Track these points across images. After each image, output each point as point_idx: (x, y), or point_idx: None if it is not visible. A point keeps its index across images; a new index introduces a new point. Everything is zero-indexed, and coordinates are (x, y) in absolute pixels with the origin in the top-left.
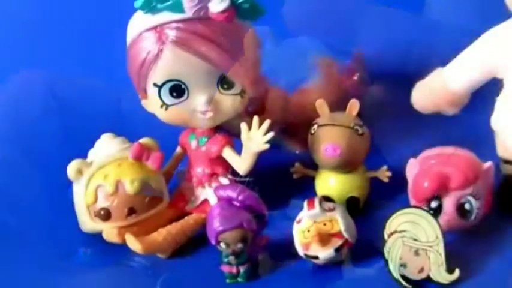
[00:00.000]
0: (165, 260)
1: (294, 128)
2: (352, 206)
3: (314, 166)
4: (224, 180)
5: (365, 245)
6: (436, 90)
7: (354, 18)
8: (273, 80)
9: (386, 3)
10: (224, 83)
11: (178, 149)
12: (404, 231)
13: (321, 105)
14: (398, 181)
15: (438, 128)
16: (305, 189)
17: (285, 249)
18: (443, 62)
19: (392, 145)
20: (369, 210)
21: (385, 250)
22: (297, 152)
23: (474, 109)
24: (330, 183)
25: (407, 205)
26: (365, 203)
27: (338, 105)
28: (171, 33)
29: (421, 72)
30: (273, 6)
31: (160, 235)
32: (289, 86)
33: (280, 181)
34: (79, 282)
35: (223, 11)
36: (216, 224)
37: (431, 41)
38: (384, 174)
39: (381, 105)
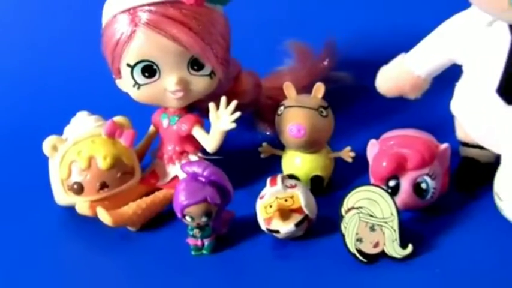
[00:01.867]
0: (135, 233)
1: (266, 110)
2: (316, 184)
3: (281, 146)
4: (194, 158)
5: (326, 221)
6: (399, 75)
7: (327, 5)
8: (246, 63)
9: None
10: (194, 64)
11: (151, 128)
12: (361, 207)
13: (288, 88)
14: (361, 161)
15: (401, 111)
16: (272, 168)
17: (250, 223)
18: (409, 48)
19: (357, 127)
20: (333, 189)
21: (342, 225)
22: (268, 133)
23: (435, 94)
24: (296, 162)
25: (369, 184)
26: (329, 182)
27: (310, 88)
28: (144, 16)
29: (388, 57)
30: None
31: (130, 209)
32: (263, 69)
33: (249, 160)
34: (52, 254)
35: None
36: (181, 198)
37: (399, 26)
38: (347, 154)
39: (347, 88)
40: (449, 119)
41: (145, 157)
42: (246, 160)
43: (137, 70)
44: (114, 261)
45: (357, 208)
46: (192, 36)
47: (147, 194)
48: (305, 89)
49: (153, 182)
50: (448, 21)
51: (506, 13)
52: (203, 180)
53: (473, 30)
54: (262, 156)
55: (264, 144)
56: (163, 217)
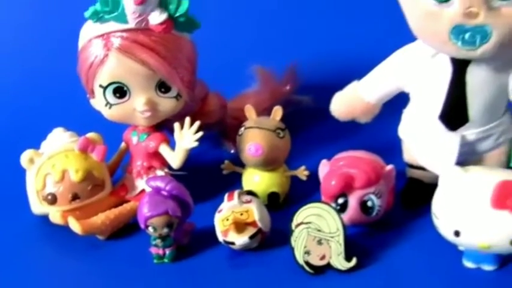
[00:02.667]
0: (102, 242)
1: (230, 130)
2: (273, 200)
3: (242, 164)
4: (160, 173)
5: (279, 234)
6: (352, 100)
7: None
8: (213, 85)
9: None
10: (162, 86)
11: (123, 144)
12: (309, 222)
13: (249, 110)
14: (315, 180)
15: (353, 134)
16: (233, 184)
17: (209, 235)
18: (363, 74)
19: (312, 148)
20: (289, 205)
21: (292, 239)
22: (232, 151)
23: (384, 119)
24: (255, 179)
25: (318, 200)
26: (285, 198)
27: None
28: (116, 41)
29: (344, 83)
30: (216, 17)
31: (99, 219)
32: (229, 92)
33: (212, 176)
34: (26, 258)
35: (162, 23)
36: (144, 210)
37: (355, 55)
38: (302, 173)
39: (307, 111)
40: (397, 142)
41: (117, 171)
42: (210, 176)
43: (109, 91)
44: (83, 266)
45: (306, 223)
46: (159, 60)
47: (117, 206)
48: (267, 111)
49: (122, 194)
50: (397, 53)
51: (446, 46)
52: (165, 194)
53: (419, 61)
54: (224, 172)
55: (226, 161)
56: (130, 227)
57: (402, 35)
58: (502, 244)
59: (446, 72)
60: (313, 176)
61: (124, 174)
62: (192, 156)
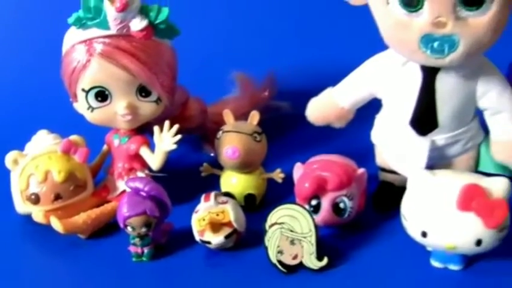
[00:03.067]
0: (84, 240)
1: (210, 134)
2: (249, 201)
3: (221, 166)
4: (141, 175)
5: (255, 234)
6: (327, 106)
7: (269, 41)
8: (194, 91)
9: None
10: (142, 91)
11: (105, 147)
12: (283, 223)
13: (227, 115)
14: (291, 182)
15: (328, 138)
16: (212, 185)
17: (186, 235)
18: (338, 81)
19: (289, 151)
20: (265, 206)
21: (266, 239)
22: (212, 154)
23: (358, 124)
24: (232, 181)
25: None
26: (262, 200)
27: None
28: (98, 47)
29: (320, 89)
30: (198, 25)
31: (81, 218)
32: (210, 97)
33: (191, 178)
34: (9, 255)
35: (142, 30)
36: (123, 210)
37: (331, 62)
38: (277, 175)
39: (285, 116)
40: (370, 147)
41: (99, 173)
42: (189, 178)
43: (91, 95)
44: (64, 264)
45: (279, 224)
46: (140, 66)
47: (98, 206)
48: (247, 115)
49: (104, 195)
50: (369, 60)
51: (416, 54)
52: (144, 194)
53: (391, 68)
54: (202, 175)
55: (205, 164)
56: (110, 227)
57: (375, 44)
58: (468, 245)
59: (416, 80)
60: (289, 178)
61: (106, 175)
62: (173, 159)
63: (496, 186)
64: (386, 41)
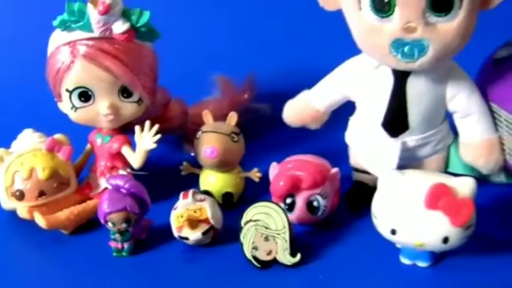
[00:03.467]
0: (66, 236)
1: (191, 134)
2: (227, 199)
3: (200, 165)
4: (123, 173)
5: (231, 231)
6: (302, 108)
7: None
8: (176, 92)
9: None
10: (124, 92)
11: (88, 146)
12: (258, 220)
13: (206, 115)
14: (268, 181)
15: (304, 139)
16: (191, 184)
17: (165, 231)
18: (314, 84)
19: (266, 151)
20: (242, 204)
21: (241, 235)
22: (192, 154)
23: (333, 125)
24: (211, 180)
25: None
26: (239, 198)
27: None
28: (82, 49)
29: (298, 92)
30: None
31: (64, 214)
32: (191, 99)
33: (172, 176)
34: None
35: (124, 33)
36: (104, 207)
37: (308, 66)
38: (255, 174)
39: (264, 118)
40: (344, 148)
41: (83, 170)
42: (170, 176)
43: (75, 95)
44: (48, 258)
45: (254, 221)
46: (122, 67)
47: (81, 202)
48: (226, 117)
49: (86, 192)
50: (343, 64)
51: (387, 58)
52: (124, 191)
53: (363, 72)
54: (182, 173)
55: (185, 163)
56: (92, 223)
57: (349, 48)
58: (435, 242)
59: (388, 83)
60: (266, 177)
61: (89, 173)
62: (154, 158)
63: (463, 186)
64: (359, 46)
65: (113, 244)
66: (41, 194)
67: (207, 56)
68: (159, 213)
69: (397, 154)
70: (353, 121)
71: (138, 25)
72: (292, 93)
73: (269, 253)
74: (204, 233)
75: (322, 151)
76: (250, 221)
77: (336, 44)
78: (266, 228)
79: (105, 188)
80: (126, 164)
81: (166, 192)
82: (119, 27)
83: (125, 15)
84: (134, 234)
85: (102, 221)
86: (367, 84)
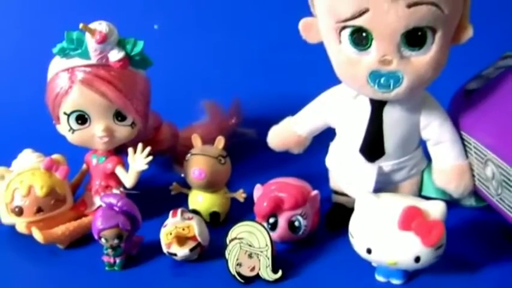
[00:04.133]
0: (62, 250)
1: (181, 156)
2: (214, 218)
3: (188, 186)
4: (116, 191)
5: (217, 248)
6: (286, 133)
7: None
8: (167, 116)
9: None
10: (118, 115)
11: (84, 166)
12: (242, 238)
13: (195, 139)
14: (252, 201)
15: (287, 163)
16: (180, 203)
17: (155, 247)
18: (298, 110)
19: (251, 173)
20: (228, 223)
21: (227, 252)
22: (182, 175)
23: (314, 150)
24: (199, 199)
25: (250, 219)
26: (226, 217)
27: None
28: (79, 75)
29: (282, 117)
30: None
31: (60, 230)
32: (181, 123)
33: (162, 196)
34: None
35: (119, 60)
36: (98, 223)
37: (291, 93)
38: (240, 195)
39: (249, 142)
40: (324, 171)
41: (78, 189)
42: (160, 195)
43: (72, 118)
44: (44, 271)
45: (239, 239)
46: (116, 93)
47: (76, 219)
48: (214, 140)
49: (81, 209)
50: (324, 93)
51: (365, 89)
52: (117, 209)
53: (343, 101)
54: (172, 193)
55: (174, 183)
56: (86, 238)
57: (330, 78)
58: (408, 261)
59: (365, 111)
60: (250, 198)
61: (84, 191)
62: (145, 178)
63: (434, 208)
64: (339, 76)
65: (105, 258)
66: (39, 210)
67: (196, 83)
68: (149, 230)
69: (374, 178)
70: (333, 146)
71: (132, 53)
72: (276, 119)
73: (252, 269)
74: (191, 250)
75: (303, 174)
76: (235, 238)
77: (318, 74)
78: (250, 246)
79: (99, 206)
80: (119, 183)
81: (157, 211)
82: (115, 55)
83: (120, 44)
84: (126, 249)
85: (96, 237)
86: (346, 112)
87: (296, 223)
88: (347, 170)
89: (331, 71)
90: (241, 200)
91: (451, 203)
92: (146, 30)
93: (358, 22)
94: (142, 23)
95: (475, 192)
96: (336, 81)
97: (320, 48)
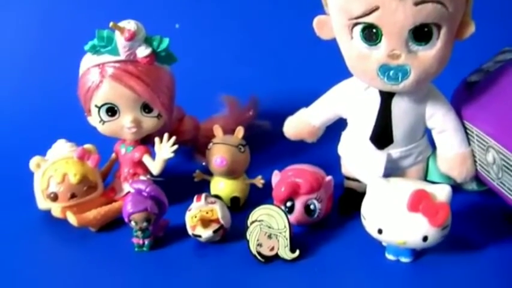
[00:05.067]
0: (94, 232)
1: (202, 146)
2: (234, 203)
3: (210, 173)
4: (143, 179)
5: (238, 230)
6: (300, 124)
7: (253, 68)
8: (189, 109)
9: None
10: (145, 108)
11: (113, 155)
12: (262, 220)
13: (217, 129)
14: (270, 187)
15: (302, 151)
16: (203, 189)
17: (180, 229)
18: (311, 103)
19: (269, 161)
20: (247, 207)
21: (247, 233)
22: (203, 163)
23: (327, 139)
24: (220, 186)
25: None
26: (245, 202)
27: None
28: (109, 70)
29: (296, 110)
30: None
31: (92, 214)
32: (202, 115)
33: (186, 182)
34: (32, 244)
35: (146, 56)
36: (128, 207)
37: (306, 88)
38: (258, 181)
39: (266, 133)
40: (337, 158)
41: (108, 176)
42: (184, 182)
43: (102, 110)
44: (77, 252)
45: (259, 221)
46: (144, 87)
47: (107, 204)
48: (233, 131)
49: (111, 195)
50: (337, 86)
51: (375, 81)
52: (145, 194)
53: (354, 93)
54: (195, 180)
55: (197, 171)
56: (116, 221)
57: (342, 72)
58: (416, 240)
59: (375, 103)
60: (268, 184)
61: (113, 178)
62: (170, 167)
63: (440, 192)
64: (350, 70)
65: (135, 240)
66: (72, 196)
67: (216, 79)
68: (175, 214)
69: (383, 164)
70: (345, 135)
71: (158, 50)
72: (291, 111)
73: (272, 249)
74: (214, 231)
75: (317, 161)
76: (255, 221)
77: (330, 68)
78: (269, 227)
79: (128, 192)
80: (147, 171)
81: (181, 196)
82: (142, 51)
83: (147, 41)
84: (153, 232)
85: (126, 220)
86: (357, 103)
87: (311, 206)
88: (358, 157)
89: (341, 67)
90: (260, 185)
91: (454, 188)
92: (169, 30)
93: (368, 19)
94: (165, 23)
95: (477, 177)
96: (347, 74)
97: (331, 45)
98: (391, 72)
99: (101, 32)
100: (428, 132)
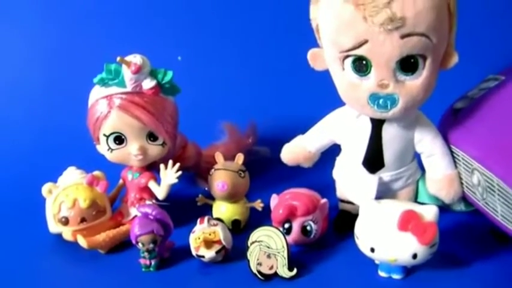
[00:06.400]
0: (103, 255)
1: (204, 172)
2: (235, 225)
3: (212, 197)
4: (149, 203)
5: (239, 250)
6: (297, 150)
7: (252, 97)
8: (191, 136)
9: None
10: (151, 136)
11: (120, 181)
12: (261, 241)
13: (218, 156)
14: (269, 210)
15: (298, 175)
16: (205, 212)
17: (185, 250)
18: (307, 130)
19: (267, 185)
20: (247, 229)
21: (248, 253)
22: (205, 188)
23: (322, 164)
24: (222, 209)
25: (268, 224)
26: (246, 224)
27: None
28: (117, 101)
29: (293, 137)
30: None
31: (101, 237)
32: (204, 142)
33: (189, 206)
34: (44, 265)
35: (152, 88)
36: (135, 230)
37: (302, 116)
38: (258, 205)
39: (265, 158)
40: (332, 182)
41: (116, 201)
42: (187, 206)
43: (110, 139)
44: (87, 273)
45: (259, 241)
46: (149, 116)
47: (115, 227)
48: (234, 157)
49: (119, 219)
50: (330, 114)
51: (365, 109)
52: (152, 218)
53: (347, 120)
54: (198, 204)
55: (200, 195)
56: (124, 244)
57: (335, 101)
58: (406, 258)
59: (366, 129)
60: (267, 207)
61: (121, 203)
62: (174, 192)
63: (428, 212)
64: (343, 98)
65: (142, 261)
66: (82, 220)
67: (217, 108)
68: (179, 236)
69: (375, 187)
70: (339, 160)
71: (163, 82)
72: (288, 138)
73: (271, 268)
74: (217, 252)
75: (313, 185)
76: (255, 241)
77: (324, 96)
78: (268, 247)
79: (135, 216)
80: (152, 195)
81: (185, 219)
82: (148, 83)
83: (152, 74)
84: (159, 253)
85: (134, 242)
86: (349, 130)
87: (308, 227)
88: (351, 180)
89: (335, 96)
90: (259, 209)
91: (443, 208)
92: (171, 62)
93: (358, 52)
94: (167, 55)
95: (464, 198)
96: (339, 103)
97: (325, 75)
98: (381, 101)
99: (108, 65)
100: (417, 157)
